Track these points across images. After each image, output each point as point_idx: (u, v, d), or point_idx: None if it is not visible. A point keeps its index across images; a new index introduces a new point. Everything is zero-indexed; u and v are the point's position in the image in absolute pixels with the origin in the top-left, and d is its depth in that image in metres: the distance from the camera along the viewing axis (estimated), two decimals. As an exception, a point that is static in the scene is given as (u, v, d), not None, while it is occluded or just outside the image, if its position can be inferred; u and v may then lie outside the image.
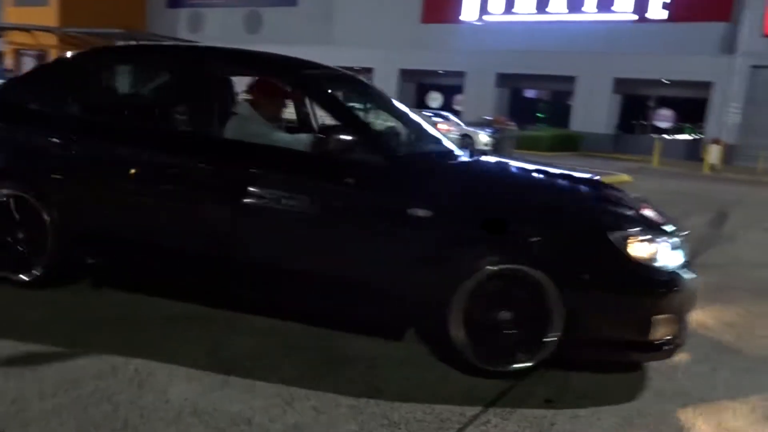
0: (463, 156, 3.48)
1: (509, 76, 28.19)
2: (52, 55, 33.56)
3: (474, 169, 3.43)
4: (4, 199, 3.36)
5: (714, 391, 2.95)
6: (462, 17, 30.58)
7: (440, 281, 2.76)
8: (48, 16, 31.84)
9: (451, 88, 29.53)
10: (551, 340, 2.72)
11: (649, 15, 25.64)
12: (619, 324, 2.74)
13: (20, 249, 3.39)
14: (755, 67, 22.96)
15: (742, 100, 22.86)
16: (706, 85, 23.82)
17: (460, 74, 28.88)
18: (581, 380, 2.89)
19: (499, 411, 2.56)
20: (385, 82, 27.25)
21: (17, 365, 2.61)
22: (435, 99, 30.13)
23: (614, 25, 26.19)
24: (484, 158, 3.74)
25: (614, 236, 2.71)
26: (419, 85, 31.19)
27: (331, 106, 3.24)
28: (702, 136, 24.21)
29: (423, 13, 31.39)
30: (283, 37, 32.05)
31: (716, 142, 20.85)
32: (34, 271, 3.37)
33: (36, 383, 2.46)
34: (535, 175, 3.49)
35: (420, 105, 28.84)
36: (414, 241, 2.81)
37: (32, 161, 3.39)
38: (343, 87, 4.06)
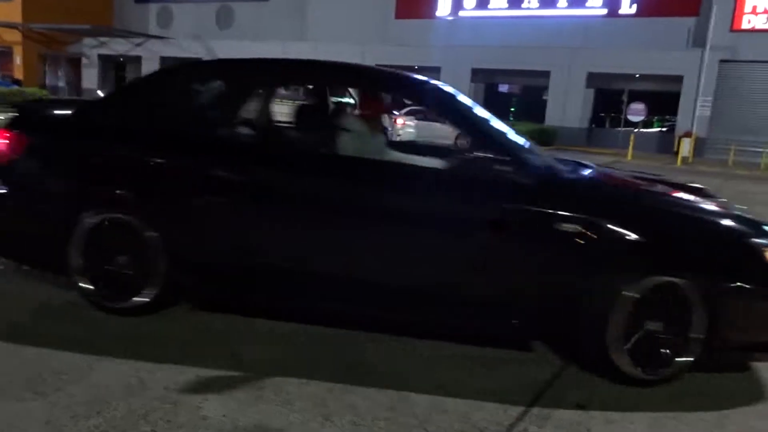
0: (581, 168, 3.43)
1: (484, 71, 28.36)
2: (17, 52, 32.75)
3: (608, 181, 3.44)
4: (103, 221, 3.11)
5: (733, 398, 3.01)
6: (437, 13, 30.64)
7: (597, 295, 2.76)
8: (13, 11, 30.93)
9: (426, 83, 29.59)
10: (698, 345, 2.81)
11: (619, 10, 26.07)
12: (762, 327, 2.86)
13: (120, 276, 3.14)
14: (724, 61, 23.51)
15: (712, 93, 23.40)
16: (676, 79, 24.29)
17: (435, 69, 28.87)
18: (608, 385, 2.92)
19: (535, 418, 2.58)
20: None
21: (45, 385, 2.54)
22: (410, 94, 30.08)
23: (586, 20, 26.55)
24: (599, 169, 3.60)
25: (755, 243, 2.84)
26: (394, 81, 31.10)
27: (466, 120, 3.19)
28: (665, 128, 24.71)
29: (397, 9, 31.35)
30: (255, 33, 31.74)
31: (688, 135, 21.33)
32: (135, 299, 3.15)
33: (66, 403, 2.39)
34: (659, 187, 3.52)
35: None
36: (571, 256, 2.79)
37: (134, 182, 3.13)
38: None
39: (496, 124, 3.25)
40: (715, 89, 23.55)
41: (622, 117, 26.35)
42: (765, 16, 23.17)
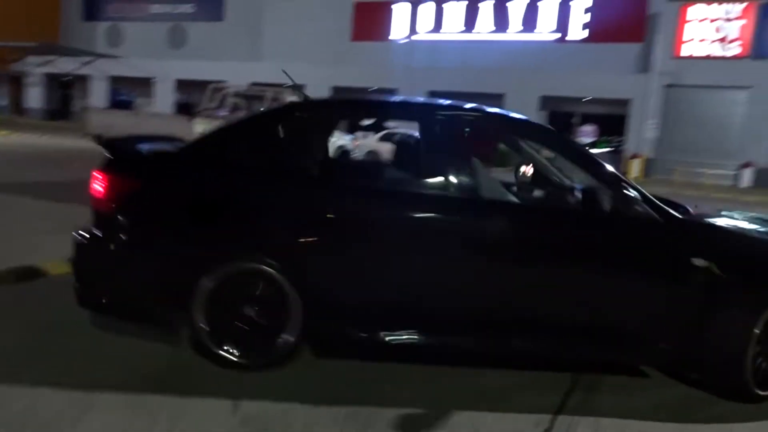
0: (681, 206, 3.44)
1: (441, 94, 28.57)
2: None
3: (720, 220, 3.57)
4: (235, 272, 2.84)
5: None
6: (392, 36, 30.95)
7: (734, 328, 2.90)
8: (-47, 28, 29.64)
9: (383, 104, 29.71)
10: None
11: (570, 35, 26.89)
12: None
13: (252, 330, 2.86)
14: (669, 85, 24.45)
15: (659, 116, 24.24)
16: (625, 102, 25.11)
17: (392, 91, 29.06)
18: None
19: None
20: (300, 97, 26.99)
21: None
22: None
23: (539, 45, 27.26)
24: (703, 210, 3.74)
25: None
26: (351, 102, 31.11)
27: (590, 162, 3.22)
28: (613, 148, 25.48)
29: (353, 31, 31.52)
30: (209, 52, 31.33)
31: (636, 156, 21.98)
32: (266, 354, 2.89)
33: None
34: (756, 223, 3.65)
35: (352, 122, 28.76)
36: (702, 292, 2.91)
37: (273, 228, 2.87)
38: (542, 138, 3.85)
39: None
40: (662, 112, 24.42)
41: (573, 138, 27.00)
42: (702, 44, 24.26)
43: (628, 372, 3.23)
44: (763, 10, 23.30)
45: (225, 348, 2.83)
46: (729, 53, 23.88)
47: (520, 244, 2.96)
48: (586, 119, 25.86)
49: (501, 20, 28.12)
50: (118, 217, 2.83)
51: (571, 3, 26.77)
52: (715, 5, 24.20)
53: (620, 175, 3.13)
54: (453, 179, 2.98)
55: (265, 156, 3.02)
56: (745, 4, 23.65)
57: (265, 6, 31.83)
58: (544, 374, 3.13)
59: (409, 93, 28.61)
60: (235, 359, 2.83)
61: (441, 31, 29.52)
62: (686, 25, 24.60)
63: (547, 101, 26.79)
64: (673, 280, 2.93)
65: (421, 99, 3.66)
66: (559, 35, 26.97)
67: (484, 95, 27.69)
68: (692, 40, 24.50)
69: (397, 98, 3.10)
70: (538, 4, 27.35)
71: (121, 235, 2.84)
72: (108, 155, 2.91)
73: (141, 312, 2.95)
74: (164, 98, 31.70)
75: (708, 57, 24.15)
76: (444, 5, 29.35)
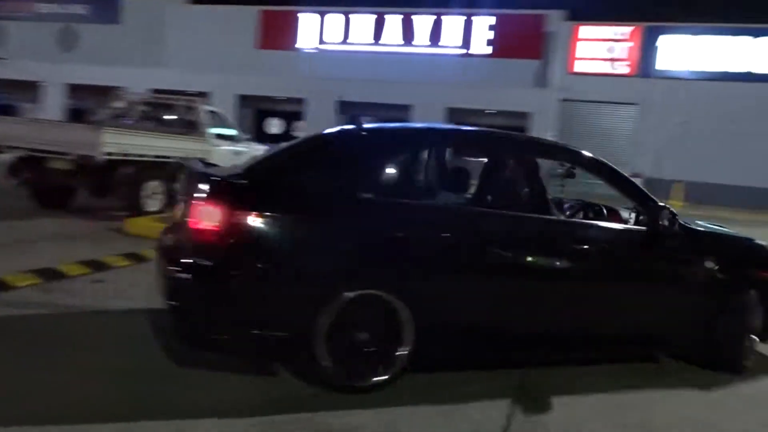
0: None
1: (350, 104, 28.64)
2: None
3: (710, 229, 4.12)
4: (356, 299, 2.81)
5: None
6: (298, 45, 30.65)
7: (736, 316, 3.66)
8: None
9: (291, 114, 29.23)
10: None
11: (474, 50, 27.80)
12: None
13: (367, 352, 2.88)
14: (564, 100, 25.82)
15: (556, 129, 25.48)
16: (525, 115, 26.21)
17: (300, 101, 28.75)
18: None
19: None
20: (222, 107, 26.16)
21: None
22: (274, 125, 29.56)
23: (444, 58, 27.97)
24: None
25: None
26: (258, 111, 30.47)
27: (625, 183, 3.62)
28: None
29: (259, 39, 30.92)
30: (104, 57, 29.59)
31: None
32: (379, 376, 2.90)
33: None
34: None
35: (259, 131, 28.13)
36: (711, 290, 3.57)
37: (388, 255, 2.91)
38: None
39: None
40: (559, 125, 25.71)
41: (479, 150, 27.86)
42: (594, 62, 25.88)
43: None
44: (647, 33, 25.20)
45: (346, 373, 2.85)
46: (618, 71, 25.60)
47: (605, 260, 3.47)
48: (490, 131, 26.79)
49: (408, 34, 28.61)
50: (238, 250, 2.69)
51: (474, 19, 27.70)
52: (604, 27, 25.90)
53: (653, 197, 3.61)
54: (544, 204, 3.36)
55: (388, 188, 3.18)
56: (631, 28, 25.47)
57: (167, 10, 30.58)
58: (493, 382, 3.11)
59: (317, 103, 28.43)
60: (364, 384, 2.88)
61: (349, 41, 29.58)
62: (579, 44, 26.14)
63: (453, 113, 27.47)
64: (694, 281, 3.53)
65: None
66: (464, 50, 27.80)
67: (393, 106, 28.03)
68: (585, 58, 26.06)
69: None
70: (443, 18, 28.08)
71: (242, 268, 2.71)
72: (211, 184, 2.75)
73: (261, 346, 2.80)
74: (54, 103, 29.57)
75: (600, 74, 25.77)
76: (351, 16, 29.47)
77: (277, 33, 30.57)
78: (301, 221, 2.80)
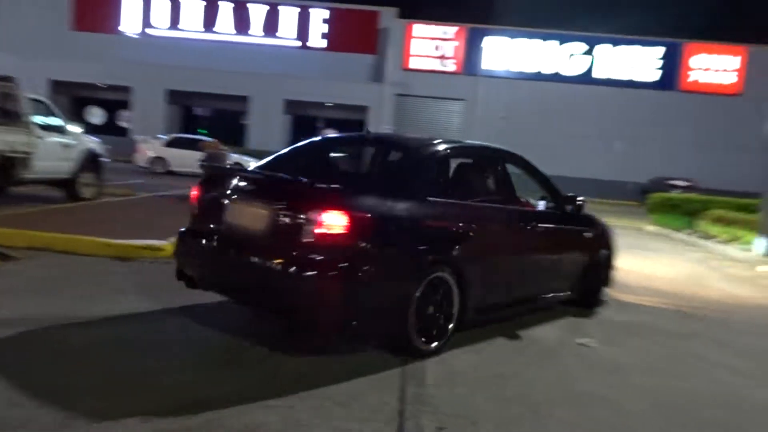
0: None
1: (180, 93, 27.18)
2: None
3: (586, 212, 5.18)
4: (432, 280, 3.43)
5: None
6: (121, 28, 28.37)
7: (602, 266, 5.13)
8: None
9: (116, 103, 26.96)
10: None
11: (310, 43, 27.82)
12: None
13: (433, 322, 3.48)
14: (399, 95, 26.93)
15: (392, 122, 26.49)
16: (362, 109, 26.89)
17: (125, 89, 26.65)
18: (462, 403, 2.85)
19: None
20: (33, 93, 23.34)
21: None
22: (96, 114, 27.00)
23: (281, 50, 27.65)
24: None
25: None
26: (76, 99, 27.68)
27: (546, 182, 4.70)
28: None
29: (73, 20, 28.09)
30: None
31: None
32: (436, 342, 3.48)
33: None
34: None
35: (78, 121, 25.54)
36: (588, 252, 4.95)
37: (447, 245, 3.56)
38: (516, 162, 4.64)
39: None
40: (395, 119, 26.76)
41: (318, 143, 28.00)
42: (426, 59, 27.31)
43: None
44: (471, 34, 27.13)
45: (423, 341, 3.42)
46: (447, 69, 27.27)
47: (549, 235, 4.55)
48: (331, 124, 27.04)
49: (242, 23, 27.81)
50: (361, 249, 3.09)
51: (310, 11, 27.71)
52: (433, 26, 27.41)
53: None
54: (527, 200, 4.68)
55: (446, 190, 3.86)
56: (457, 28, 27.25)
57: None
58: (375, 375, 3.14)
59: (145, 91, 26.56)
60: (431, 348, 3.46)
61: (179, 27, 28.01)
62: (413, 41, 27.39)
63: (291, 105, 27.31)
64: (583, 246, 4.88)
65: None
66: (299, 43, 27.71)
67: (228, 97, 27.13)
68: (418, 55, 27.38)
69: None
70: (279, 8, 27.73)
71: (365, 264, 3.10)
72: (333, 194, 3.11)
73: (375, 329, 3.29)
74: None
75: (431, 71, 27.25)
76: (181, 1, 27.92)
77: (96, 14, 28.02)
78: (399, 221, 3.35)
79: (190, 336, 3.47)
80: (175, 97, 27.43)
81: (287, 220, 3.10)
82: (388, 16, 27.47)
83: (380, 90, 26.69)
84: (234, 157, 17.28)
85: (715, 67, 26.77)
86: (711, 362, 3.86)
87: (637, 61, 26.98)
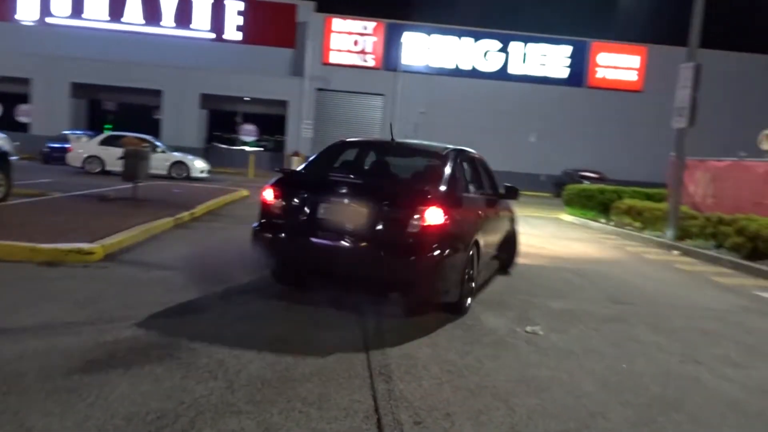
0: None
1: (86, 87, 25.67)
2: None
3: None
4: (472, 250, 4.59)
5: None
6: (18, 16, 26.36)
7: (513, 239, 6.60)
8: None
9: (14, 96, 24.99)
10: None
11: (226, 36, 26.98)
12: None
13: (469, 284, 4.54)
14: (320, 89, 26.70)
15: (313, 117, 26.24)
16: (282, 103, 26.45)
17: (25, 81, 24.84)
18: (432, 397, 2.85)
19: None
20: None
21: None
22: (-10, 109, 24.87)
23: (195, 42, 26.63)
24: None
25: None
26: (-35, 92, 25.45)
27: (489, 175, 5.78)
28: (263, 148, 26.81)
29: (-40, 5, 25.80)
30: None
31: (296, 154, 23.37)
32: (469, 299, 4.60)
33: None
34: None
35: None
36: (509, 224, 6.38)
37: (477, 222, 4.83)
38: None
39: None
40: (315, 114, 26.52)
41: (236, 137, 27.31)
42: (346, 54, 27.21)
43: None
44: (389, 30, 27.28)
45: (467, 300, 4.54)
46: (367, 64, 27.30)
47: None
48: (249, 119, 26.41)
49: (152, 13, 26.55)
50: (449, 236, 4.09)
51: (225, 2, 26.88)
52: (352, 20, 27.33)
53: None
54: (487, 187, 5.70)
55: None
56: (375, 23, 27.31)
57: None
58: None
59: (46, 84, 24.87)
60: (467, 305, 4.55)
61: (82, 16, 26.37)
62: (332, 35, 27.19)
63: (207, 99, 26.44)
64: (508, 222, 6.21)
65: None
66: (214, 35, 26.84)
67: (139, 90, 25.88)
68: (338, 50, 27.22)
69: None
70: (192, 0, 26.71)
71: (450, 245, 4.10)
72: (433, 195, 4.12)
73: (449, 293, 4.25)
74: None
75: (351, 66, 27.18)
76: (84, -12, 26.29)
77: (-12, 0, 25.85)
78: (459, 211, 4.37)
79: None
80: (81, 90, 25.87)
81: (395, 215, 3.97)
82: (305, 9, 27.11)
83: (300, 84, 26.36)
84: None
85: (618, 65, 28.40)
86: (643, 342, 4.11)
87: (548, 59, 28.15)
